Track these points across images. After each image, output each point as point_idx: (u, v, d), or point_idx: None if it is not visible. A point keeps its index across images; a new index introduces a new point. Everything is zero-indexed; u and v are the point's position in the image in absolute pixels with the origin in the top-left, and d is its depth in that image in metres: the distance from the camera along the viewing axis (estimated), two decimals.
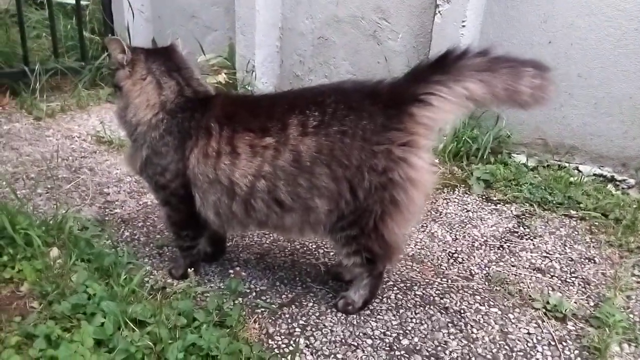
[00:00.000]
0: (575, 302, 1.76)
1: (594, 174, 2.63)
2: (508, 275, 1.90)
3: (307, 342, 1.53)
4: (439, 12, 2.69)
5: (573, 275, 1.92)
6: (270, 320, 1.60)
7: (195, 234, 1.70)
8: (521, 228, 2.24)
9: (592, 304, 1.75)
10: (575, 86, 2.65)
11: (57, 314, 1.51)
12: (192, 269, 1.66)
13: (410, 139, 1.39)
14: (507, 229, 2.23)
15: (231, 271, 1.77)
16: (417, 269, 1.91)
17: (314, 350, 1.49)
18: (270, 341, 1.52)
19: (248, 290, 1.75)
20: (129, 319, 1.48)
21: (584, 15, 2.54)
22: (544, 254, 2.05)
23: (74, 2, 4.04)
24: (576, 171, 2.66)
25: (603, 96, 2.58)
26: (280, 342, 1.52)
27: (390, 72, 3.12)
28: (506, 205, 2.43)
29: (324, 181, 1.43)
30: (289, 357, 1.44)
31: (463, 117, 1.32)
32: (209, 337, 1.40)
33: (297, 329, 1.58)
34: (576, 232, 2.21)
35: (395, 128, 1.40)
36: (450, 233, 2.17)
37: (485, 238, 2.15)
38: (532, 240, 2.15)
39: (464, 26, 2.64)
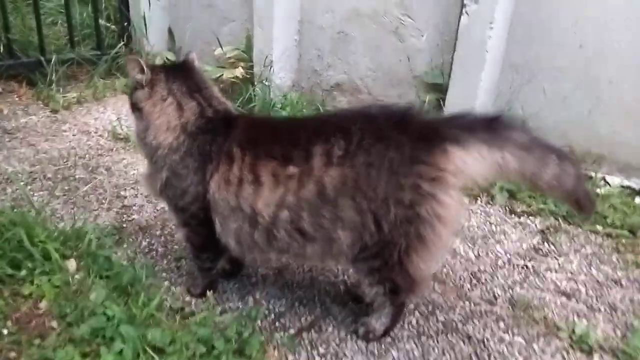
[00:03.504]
0: (601, 331, 1.71)
1: (622, 186, 2.55)
2: (532, 299, 1.85)
3: None
4: (466, 12, 2.58)
5: (599, 299, 1.87)
6: (289, 347, 1.58)
7: (215, 256, 1.68)
8: (546, 244, 2.18)
9: (619, 334, 1.71)
10: (605, 92, 2.54)
11: (76, 337, 1.50)
12: (211, 290, 1.65)
13: (439, 175, 1.34)
14: (532, 245, 2.17)
15: (251, 298, 1.76)
16: (439, 291, 1.87)
17: None
18: None
19: (267, 312, 1.72)
20: (148, 345, 1.47)
21: (619, 20, 2.42)
22: (570, 275, 1.99)
23: None
24: (603, 182, 2.58)
25: (635, 104, 2.48)
26: None
27: (412, 70, 3.04)
28: (530, 217, 2.36)
29: (348, 213, 1.39)
30: None
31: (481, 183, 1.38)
32: None
33: (317, 357, 1.55)
34: (602, 251, 2.15)
35: (424, 162, 1.35)
36: (473, 249, 2.11)
37: (509, 255, 2.09)
38: (557, 259, 2.09)
39: (491, 28, 2.53)
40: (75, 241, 1.92)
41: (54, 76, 3.53)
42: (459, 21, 2.67)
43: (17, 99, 3.52)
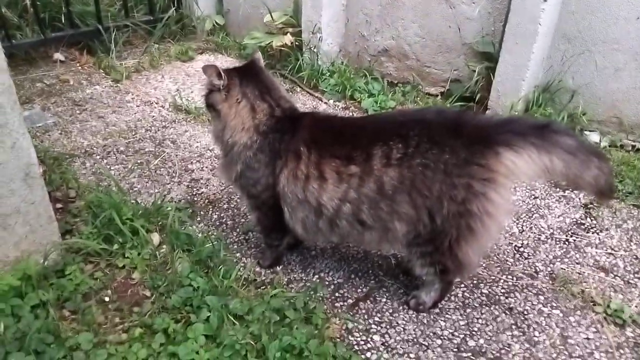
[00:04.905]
0: (636, 306, 1.85)
1: None
2: (572, 273, 2.00)
3: (383, 339, 1.72)
4: None
5: (636, 275, 1.99)
6: (349, 315, 1.80)
7: (282, 236, 1.89)
8: (588, 219, 2.28)
9: None
10: None
11: (168, 305, 1.76)
12: (278, 264, 1.88)
13: (491, 175, 1.47)
14: (574, 220, 2.28)
15: (312, 270, 1.97)
16: (484, 264, 2.03)
17: (389, 349, 1.69)
18: (350, 337, 1.73)
19: (327, 283, 1.94)
20: (230, 313, 1.71)
21: None
22: (609, 251, 2.11)
23: None
24: None
25: None
26: (359, 339, 1.72)
27: (462, 38, 3.05)
28: (574, 191, 2.45)
29: (404, 208, 1.55)
30: (368, 355, 1.65)
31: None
32: (299, 336, 1.62)
33: (373, 326, 1.77)
34: None
35: (477, 163, 1.47)
36: (517, 224, 2.24)
37: (551, 230, 2.22)
38: (598, 234, 2.20)
39: (545, 1, 2.51)
40: (157, 216, 2.17)
41: (112, 45, 3.72)
42: None
43: (79, 67, 3.74)
